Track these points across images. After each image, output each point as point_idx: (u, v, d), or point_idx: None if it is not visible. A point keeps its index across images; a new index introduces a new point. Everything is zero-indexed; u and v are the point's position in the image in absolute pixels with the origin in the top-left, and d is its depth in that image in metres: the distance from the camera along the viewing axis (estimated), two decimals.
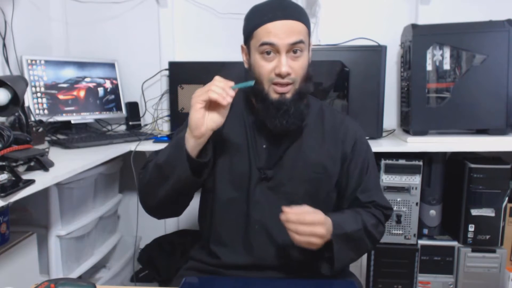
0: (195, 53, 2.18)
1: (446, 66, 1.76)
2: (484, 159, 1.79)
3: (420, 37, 1.76)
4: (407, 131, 1.90)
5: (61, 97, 1.96)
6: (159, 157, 1.04)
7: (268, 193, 1.10)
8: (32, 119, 1.77)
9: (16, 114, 1.54)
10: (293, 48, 1.02)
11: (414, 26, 1.78)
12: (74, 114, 2.00)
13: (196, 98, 0.96)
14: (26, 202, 1.34)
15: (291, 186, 1.11)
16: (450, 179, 1.84)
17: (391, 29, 2.00)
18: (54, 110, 1.92)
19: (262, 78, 1.04)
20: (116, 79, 2.18)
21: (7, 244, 1.30)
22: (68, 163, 1.39)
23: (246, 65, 1.12)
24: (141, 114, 2.23)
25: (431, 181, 1.82)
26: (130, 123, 2.18)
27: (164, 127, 2.21)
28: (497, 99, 1.73)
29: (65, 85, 1.98)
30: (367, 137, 1.78)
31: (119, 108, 2.17)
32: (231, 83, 0.97)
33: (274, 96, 1.04)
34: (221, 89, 0.95)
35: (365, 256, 1.84)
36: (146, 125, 2.23)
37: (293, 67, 1.03)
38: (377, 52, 1.79)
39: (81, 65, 2.05)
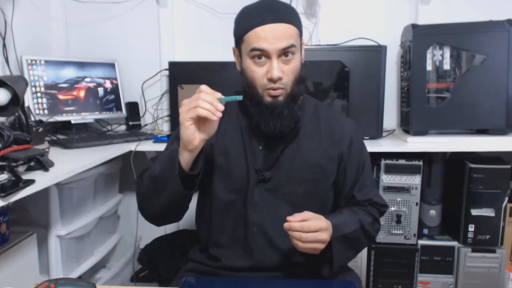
0: (195, 53, 2.18)
1: (446, 66, 1.76)
2: (484, 159, 1.79)
3: (420, 37, 1.76)
4: (407, 131, 1.90)
5: (61, 97, 1.96)
6: (154, 168, 1.03)
7: (266, 195, 1.10)
8: (32, 119, 1.77)
9: (16, 114, 1.55)
10: (285, 52, 1.01)
11: (414, 26, 1.78)
12: (74, 114, 2.00)
13: (184, 115, 0.93)
14: (26, 202, 1.34)
15: (289, 187, 1.10)
16: (450, 179, 1.84)
17: (391, 29, 2.00)
18: (54, 110, 1.92)
19: (255, 83, 1.04)
20: (116, 79, 2.17)
21: (7, 244, 1.30)
22: (68, 163, 1.39)
23: (238, 68, 1.11)
24: (141, 114, 2.23)
25: (431, 181, 1.82)
26: (130, 123, 2.18)
27: (164, 127, 2.20)
28: (497, 99, 1.73)
29: (65, 85, 1.98)
30: (367, 137, 1.78)
31: (119, 108, 2.17)
32: (219, 95, 0.95)
33: (267, 99, 1.04)
34: (210, 104, 0.92)
35: (365, 256, 1.84)
36: (146, 125, 2.23)
37: (284, 71, 1.02)
38: (377, 52, 1.80)
39: (81, 65, 2.05)
